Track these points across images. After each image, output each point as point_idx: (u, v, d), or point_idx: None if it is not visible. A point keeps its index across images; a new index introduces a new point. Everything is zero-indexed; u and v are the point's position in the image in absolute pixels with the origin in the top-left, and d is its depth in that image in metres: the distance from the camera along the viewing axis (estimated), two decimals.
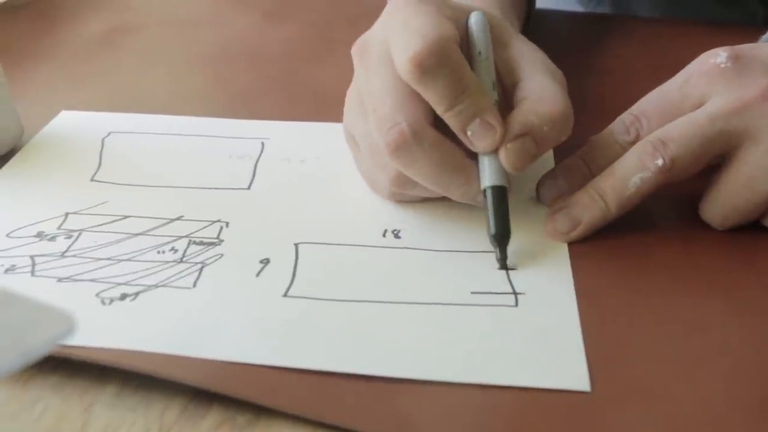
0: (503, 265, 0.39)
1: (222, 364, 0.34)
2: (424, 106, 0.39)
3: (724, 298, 0.38)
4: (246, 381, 0.33)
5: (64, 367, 0.34)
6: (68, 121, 0.52)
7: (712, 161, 0.41)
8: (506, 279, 0.39)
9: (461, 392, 0.33)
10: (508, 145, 0.39)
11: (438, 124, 0.40)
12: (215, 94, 0.57)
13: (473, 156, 0.40)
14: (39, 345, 0.26)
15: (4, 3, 0.68)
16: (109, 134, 0.51)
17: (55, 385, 0.34)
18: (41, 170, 0.47)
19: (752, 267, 0.40)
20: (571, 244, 0.41)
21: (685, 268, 0.40)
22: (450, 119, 0.39)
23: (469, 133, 0.39)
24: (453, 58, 0.39)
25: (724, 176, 0.41)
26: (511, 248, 0.41)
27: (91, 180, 0.46)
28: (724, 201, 0.41)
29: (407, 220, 0.43)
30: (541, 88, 0.41)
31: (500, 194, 0.40)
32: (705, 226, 0.42)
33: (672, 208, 0.43)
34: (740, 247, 0.41)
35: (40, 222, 0.43)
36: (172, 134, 0.51)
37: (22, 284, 0.38)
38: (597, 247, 0.41)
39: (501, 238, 0.39)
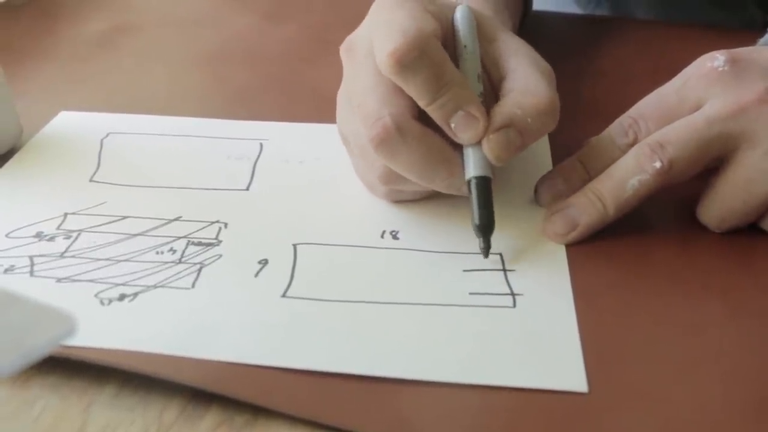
0: (487, 254, 0.40)
1: (220, 364, 0.34)
2: (408, 100, 0.39)
3: (721, 299, 0.38)
4: (244, 381, 0.33)
5: (63, 366, 0.34)
6: (67, 122, 0.52)
7: (709, 164, 0.41)
8: (504, 280, 0.39)
9: (459, 393, 0.33)
10: (491, 136, 0.39)
11: (423, 116, 0.40)
12: (214, 94, 0.57)
13: (459, 148, 0.41)
14: (39, 346, 0.26)
15: (5, 2, 0.68)
16: (108, 135, 0.51)
17: (54, 384, 0.34)
18: (40, 170, 0.47)
19: (749, 269, 0.40)
20: (569, 246, 0.41)
21: (683, 270, 0.40)
22: (433, 112, 0.39)
23: (452, 125, 0.40)
24: (433, 52, 0.39)
25: (721, 179, 0.41)
26: (510, 249, 0.41)
27: (90, 180, 0.46)
28: (722, 203, 0.41)
29: (405, 221, 0.43)
30: (526, 80, 0.41)
31: (484, 185, 0.40)
32: (702, 229, 0.42)
33: (669, 210, 0.43)
34: (737, 249, 0.41)
35: (39, 222, 0.43)
36: (170, 135, 0.51)
37: (20, 284, 0.38)
38: (595, 248, 0.41)
39: (485, 228, 0.40)
